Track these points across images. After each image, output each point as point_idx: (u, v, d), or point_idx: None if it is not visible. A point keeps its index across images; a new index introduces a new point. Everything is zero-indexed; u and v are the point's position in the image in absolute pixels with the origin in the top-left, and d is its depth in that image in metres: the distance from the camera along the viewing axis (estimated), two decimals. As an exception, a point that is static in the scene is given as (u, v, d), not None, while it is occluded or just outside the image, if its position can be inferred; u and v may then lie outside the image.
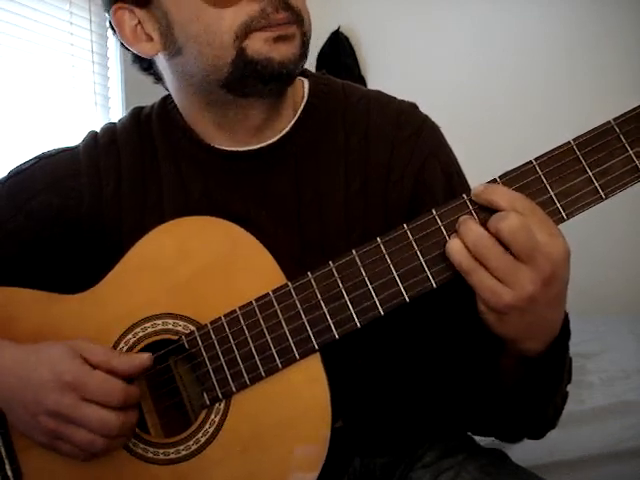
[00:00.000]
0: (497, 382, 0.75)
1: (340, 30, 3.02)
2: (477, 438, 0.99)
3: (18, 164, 0.92)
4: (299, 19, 0.77)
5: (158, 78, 0.88)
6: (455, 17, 2.94)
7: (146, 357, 0.72)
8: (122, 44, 0.84)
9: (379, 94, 0.91)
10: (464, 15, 2.92)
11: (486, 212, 0.64)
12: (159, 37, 0.80)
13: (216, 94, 0.81)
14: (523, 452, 1.24)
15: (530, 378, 0.72)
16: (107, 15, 0.83)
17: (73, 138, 0.92)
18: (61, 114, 2.44)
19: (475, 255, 0.62)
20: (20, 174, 0.90)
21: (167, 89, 0.89)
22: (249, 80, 0.77)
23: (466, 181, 0.89)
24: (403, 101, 0.90)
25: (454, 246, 0.64)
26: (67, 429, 0.69)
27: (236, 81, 0.78)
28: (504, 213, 0.62)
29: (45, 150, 0.93)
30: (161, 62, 0.84)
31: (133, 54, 0.86)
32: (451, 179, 0.85)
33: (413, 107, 0.90)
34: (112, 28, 0.83)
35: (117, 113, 2.69)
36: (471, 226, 0.63)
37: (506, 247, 0.62)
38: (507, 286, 0.62)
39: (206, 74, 0.79)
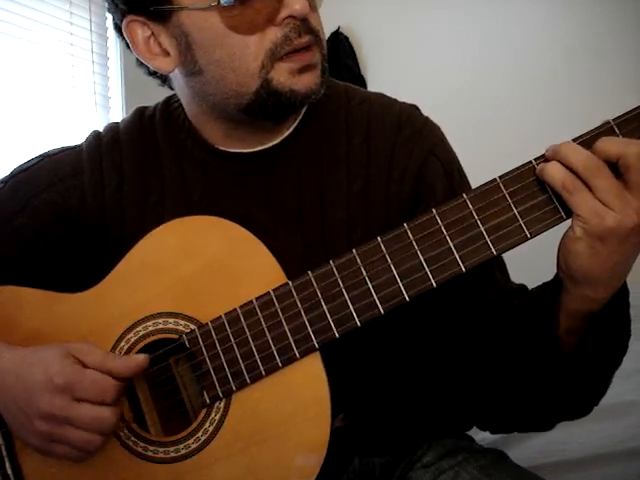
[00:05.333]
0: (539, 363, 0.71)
1: (340, 30, 3.02)
2: (477, 438, 0.99)
3: (21, 163, 0.92)
4: (318, 40, 0.78)
5: (163, 80, 0.88)
6: (455, 17, 2.94)
7: (142, 358, 0.72)
8: (138, 60, 0.83)
9: (380, 96, 0.91)
10: (464, 15, 2.93)
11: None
12: (177, 54, 0.79)
13: (232, 113, 0.81)
14: (523, 452, 1.24)
15: (600, 333, 0.68)
16: (119, 36, 0.82)
17: (73, 138, 0.93)
18: (61, 114, 2.44)
19: (582, 175, 0.61)
20: (24, 172, 0.90)
21: (171, 88, 0.89)
22: (270, 108, 0.78)
23: (467, 180, 0.89)
24: (404, 103, 0.91)
25: (553, 166, 0.62)
26: (62, 430, 0.69)
27: (257, 108, 0.79)
28: (627, 140, 0.61)
29: (47, 150, 0.93)
30: (175, 74, 0.84)
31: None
32: (452, 178, 0.86)
33: (414, 109, 0.90)
34: (127, 45, 0.82)
35: (117, 113, 2.69)
36: (576, 148, 0.61)
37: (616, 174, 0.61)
38: (612, 210, 0.60)
39: (226, 97, 0.79)
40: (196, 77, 0.80)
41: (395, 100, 0.91)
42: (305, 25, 0.76)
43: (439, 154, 0.86)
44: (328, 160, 0.85)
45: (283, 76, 0.76)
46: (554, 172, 0.62)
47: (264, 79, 0.76)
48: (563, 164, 0.62)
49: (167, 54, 0.80)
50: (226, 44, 0.75)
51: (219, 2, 0.73)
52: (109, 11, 0.83)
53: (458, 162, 0.89)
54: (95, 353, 0.71)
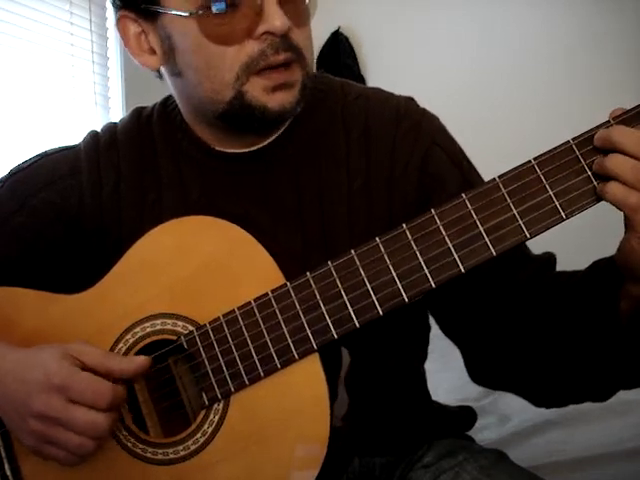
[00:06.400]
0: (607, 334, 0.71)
1: (340, 30, 3.02)
2: (477, 438, 0.99)
3: (19, 162, 0.92)
4: (300, 58, 0.77)
5: (161, 75, 0.88)
6: (455, 17, 2.94)
7: (144, 360, 0.72)
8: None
9: (377, 91, 0.91)
10: (464, 15, 2.92)
11: None
12: (162, 54, 0.81)
13: (211, 118, 0.82)
14: (523, 452, 1.24)
15: None
16: (114, 24, 0.83)
17: (73, 138, 0.93)
18: (61, 114, 2.44)
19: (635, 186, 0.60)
20: (22, 172, 0.90)
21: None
22: (244, 119, 0.79)
23: (475, 167, 0.88)
24: (401, 96, 0.90)
25: (611, 184, 0.61)
26: (56, 432, 0.68)
27: (231, 117, 0.79)
28: None
29: (45, 149, 0.93)
30: (164, 73, 0.85)
31: None
32: (461, 166, 0.85)
33: (411, 101, 0.90)
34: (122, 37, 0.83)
35: (117, 113, 2.68)
36: (622, 159, 0.60)
37: None
38: None
39: (203, 103, 0.80)
40: (178, 78, 0.82)
41: (391, 94, 0.90)
42: (285, 42, 0.75)
43: (442, 144, 0.86)
44: (326, 157, 0.85)
45: (257, 91, 0.76)
46: (613, 189, 0.61)
47: (238, 90, 0.76)
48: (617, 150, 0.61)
49: (154, 52, 0.81)
50: (203, 52, 0.76)
51: (198, 12, 0.74)
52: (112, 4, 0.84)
53: (462, 149, 0.89)
54: (94, 353, 0.71)
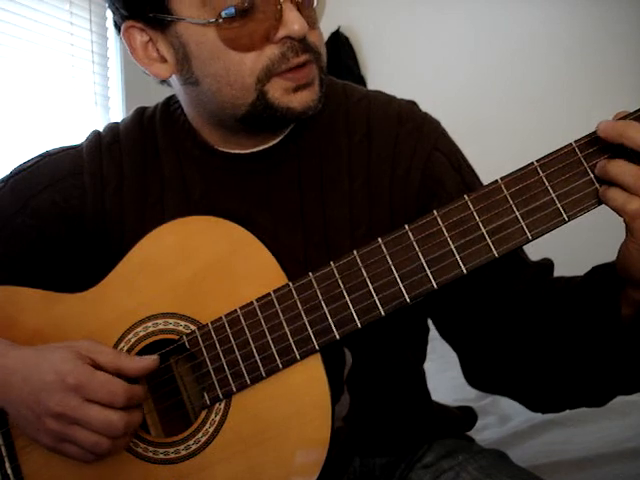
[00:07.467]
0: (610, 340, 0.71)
1: (340, 30, 3.02)
2: (477, 438, 0.99)
3: (21, 162, 0.92)
4: (317, 57, 0.78)
5: (164, 80, 0.88)
6: (455, 17, 2.94)
7: (153, 359, 0.72)
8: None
9: (379, 93, 0.91)
10: (464, 16, 2.92)
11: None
12: (174, 62, 0.80)
13: (228, 121, 0.82)
14: (523, 452, 1.24)
15: None
16: (119, 35, 0.82)
17: (73, 138, 0.93)
18: (61, 114, 2.44)
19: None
20: (24, 171, 0.90)
21: (171, 86, 0.89)
22: (266, 120, 0.79)
23: (474, 172, 0.89)
24: (402, 99, 0.91)
25: (612, 190, 0.61)
26: (72, 430, 0.69)
27: (253, 118, 0.79)
28: None
29: (47, 149, 0.93)
30: (173, 79, 0.84)
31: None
32: (460, 170, 0.86)
33: (412, 104, 0.91)
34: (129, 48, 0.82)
35: (117, 113, 2.69)
36: (625, 165, 0.61)
37: None
38: None
39: (222, 108, 0.79)
40: (192, 87, 0.80)
41: (393, 97, 0.91)
42: (303, 44, 0.76)
43: (443, 149, 0.86)
44: (329, 159, 0.85)
45: (278, 92, 0.76)
46: (613, 195, 0.62)
47: (260, 91, 0.76)
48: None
49: (164, 60, 0.80)
50: (222, 59, 0.76)
51: (217, 19, 0.74)
52: (110, 9, 0.83)
53: (462, 154, 0.90)
54: (106, 352, 0.72)
